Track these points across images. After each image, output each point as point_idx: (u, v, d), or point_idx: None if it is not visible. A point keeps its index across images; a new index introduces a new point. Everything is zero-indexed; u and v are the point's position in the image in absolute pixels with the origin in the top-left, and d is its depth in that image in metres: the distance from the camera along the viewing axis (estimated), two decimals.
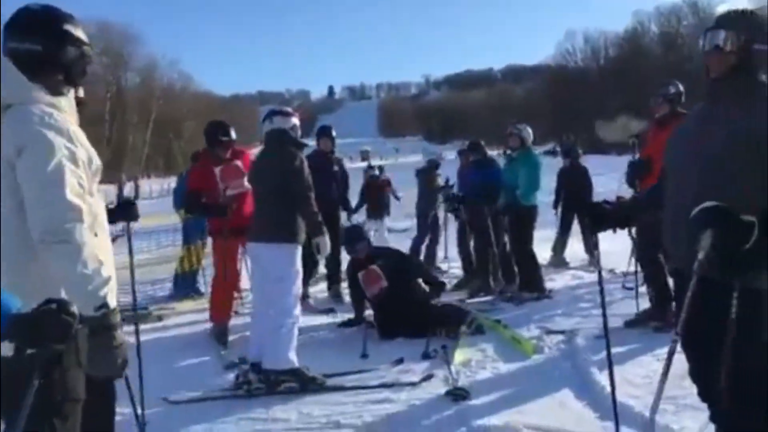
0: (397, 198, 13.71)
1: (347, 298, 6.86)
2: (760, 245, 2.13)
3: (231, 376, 4.64)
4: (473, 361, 4.89)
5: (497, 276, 7.47)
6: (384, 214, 11.19)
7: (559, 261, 9.17)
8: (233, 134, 6.10)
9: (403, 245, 8.59)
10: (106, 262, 2.03)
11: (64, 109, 2.18)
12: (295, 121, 4.80)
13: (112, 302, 2.02)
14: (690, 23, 61.08)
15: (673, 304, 4.88)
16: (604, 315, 3.05)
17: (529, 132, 7.49)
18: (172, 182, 27.97)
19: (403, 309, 5.67)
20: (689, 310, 2.35)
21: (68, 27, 2.23)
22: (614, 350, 4.99)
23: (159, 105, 62.51)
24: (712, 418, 2.78)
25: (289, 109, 5.06)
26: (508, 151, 7.63)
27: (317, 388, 4.35)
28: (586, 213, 3.07)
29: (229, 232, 5.70)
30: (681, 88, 5.65)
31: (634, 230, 5.87)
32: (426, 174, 9.36)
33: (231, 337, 5.67)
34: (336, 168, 7.50)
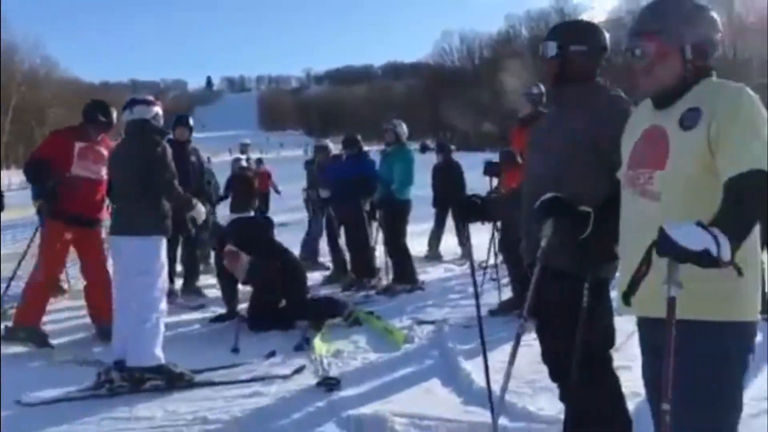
0: (277, 191, 13.55)
1: (211, 292, 6.75)
2: (599, 237, 2.31)
3: (93, 375, 4.42)
4: (345, 352, 4.94)
5: (370, 269, 7.58)
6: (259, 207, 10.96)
7: (434, 255, 9.44)
8: (114, 118, 5.61)
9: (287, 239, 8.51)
10: None
11: None
12: (158, 110, 4.62)
13: None
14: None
15: None
16: (478, 306, 3.15)
17: (404, 128, 7.66)
18: None
19: (275, 300, 5.65)
20: (533, 296, 2.52)
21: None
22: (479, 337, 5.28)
23: (20, 91, 58.19)
24: (562, 398, 2.98)
25: (151, 98, 4.85)
26: (383, 147, 7.79)
27: (185, 385, 4.24)
28: (455, 205, 3.23)
29: (67, 217, 5.29)
30: (543, 89, 5.88)
31: (499, 223, 6.22)
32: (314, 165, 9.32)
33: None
34: (193, 158, 7.24)
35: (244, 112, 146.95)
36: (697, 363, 1.94)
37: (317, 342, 5.07)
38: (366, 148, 8.48)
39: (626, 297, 1.91)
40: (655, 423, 2.16)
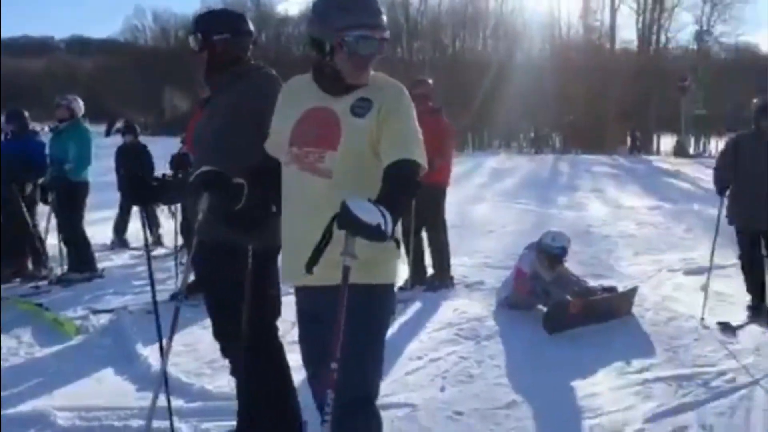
0: None
1: None
2: (254, 206, 2.40)
3: None
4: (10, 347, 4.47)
5: (37, 259, 6.90)
6: None
7: (121, 242, 8.89)
8: None
9: None
10: None
11: None
12: None
13: None
14: (253, 16, 65.09)
15: None
16: (153, 291, 3.00)
17: (80, 104, 7.07)
18: None
19: None
20: (188, 271, 2.54)
21: None
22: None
23: None
24: (232, 372, 3.05)
25: None
26: (56, 124, 7.09)
27: None
28: (127, 186, 3.01)
29: None
30: None
31: (179, 207, 6.08)
32: None
33: None
34: None
35: None
36: (355, 322, 2.09)
37: None
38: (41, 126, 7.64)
39: (309, 266, 2.00)
40: (316, 384, 2.34)
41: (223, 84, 2.81)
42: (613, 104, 38.86)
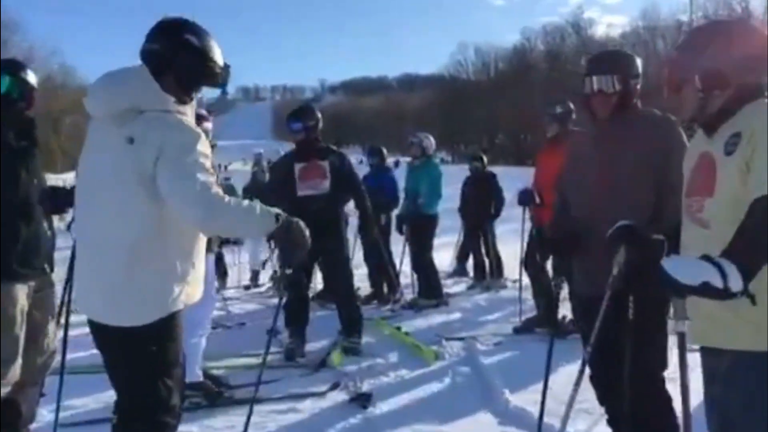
0: None
1: None
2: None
3: None
4: (377, 367, 4.92)
5: (392, 284, 7.55)
6: None
7: (461, 270, 9.33)
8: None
9: None
10: None
11: (188, 115, 2.47)
12: (209, 125, 4.57)
13: None
14: (573, 42, 64.54)
15: (564, 315, 5.15)
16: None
17: (431, 141, 7.64)
18: (49, 180, 25.94)
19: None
20: (602, 324, 2.48)
21: (188, 35, 2.46)
22: (509, 354, 5.25)
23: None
24: (610, 422, 2.94)
25: (204, 112, 4.76)
26: (409, 159, 7.76)
27: (223, 402, 4.21)
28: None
29: None
30: (571, 106, 5.70)
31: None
32: None
33: None
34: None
35: (259, 122, 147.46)
36: (739, 393, 1.88)
37: (336, 355, 5.06)
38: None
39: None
40: None
41: (630, 125, 2.76)
42: None
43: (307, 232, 2.46)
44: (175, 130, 2.35)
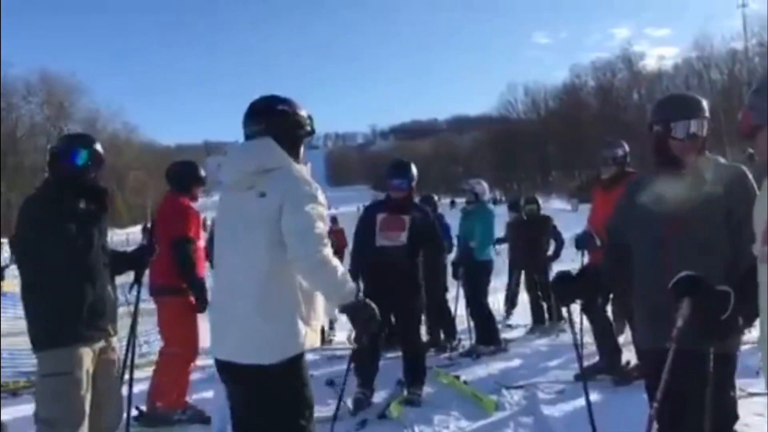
0: None
1: None
2: (732, 315, 2.19)
3: None
4: (435, 418, 4.85)
5: (449, 331, 7.47)
6: None
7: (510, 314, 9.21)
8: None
9: None
10: None
11: (305, 172, 2.79)
12: None
13: None
14: (624, 77, 63.94)
15: (627, 359, 5.00)
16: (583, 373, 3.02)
17: (483, 186, 7.63)
18: (114, 235, 27.01)
19: None
20: (668, 378, 2.40)
21: (279, 106, 2.81)
22: (575, 403, 5.10)
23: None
24: None
25: None
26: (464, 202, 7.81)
27: None
28: (553, 287, 3.20)
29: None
30: (627, 148, 5.70)
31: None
32: None
33: None
34: None
35: (313, 169, 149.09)
36: None
37: (395, 406, 5.00)
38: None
39: None
40: None
41: (704, 171, 2.72)
42: None
43: (377, 312, 2.65)
44: (299, 181, 2.69)
